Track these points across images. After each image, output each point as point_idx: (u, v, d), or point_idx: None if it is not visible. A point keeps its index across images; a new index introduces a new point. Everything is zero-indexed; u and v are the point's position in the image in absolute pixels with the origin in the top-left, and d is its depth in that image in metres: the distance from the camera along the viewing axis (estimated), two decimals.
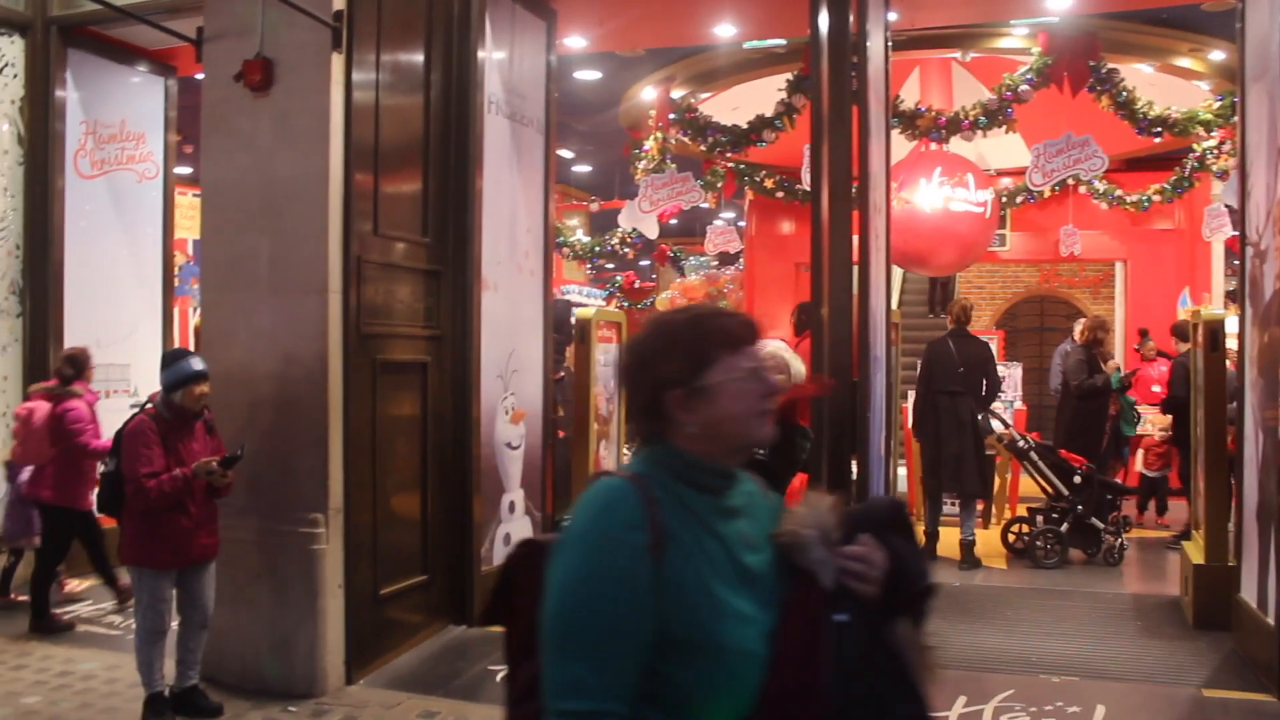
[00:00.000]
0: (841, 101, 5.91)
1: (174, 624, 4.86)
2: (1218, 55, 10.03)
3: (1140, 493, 10.32)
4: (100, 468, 5.22)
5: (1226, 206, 11.43)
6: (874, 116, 6.31)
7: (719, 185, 13.29)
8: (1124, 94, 9.73)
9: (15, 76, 7.45)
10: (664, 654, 1.58)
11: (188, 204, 10.95)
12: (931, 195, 10.69)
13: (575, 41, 8.44)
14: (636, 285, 26.79)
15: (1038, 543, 8.48)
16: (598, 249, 17.28)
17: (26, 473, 6.47)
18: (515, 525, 6.92)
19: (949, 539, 8.64)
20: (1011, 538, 8.76)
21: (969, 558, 8.41)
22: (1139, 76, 10.56)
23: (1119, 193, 12.96)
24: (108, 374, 7.74)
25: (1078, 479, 8.43)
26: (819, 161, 5.92)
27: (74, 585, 7.03)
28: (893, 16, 7.03)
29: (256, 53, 5.20)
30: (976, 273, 17.79)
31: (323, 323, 5.20)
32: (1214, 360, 6.61)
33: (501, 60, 6.75)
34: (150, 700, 4.74)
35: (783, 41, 10.26)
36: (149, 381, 7.00)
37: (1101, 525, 8.38)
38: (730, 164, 13.35)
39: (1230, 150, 10.80)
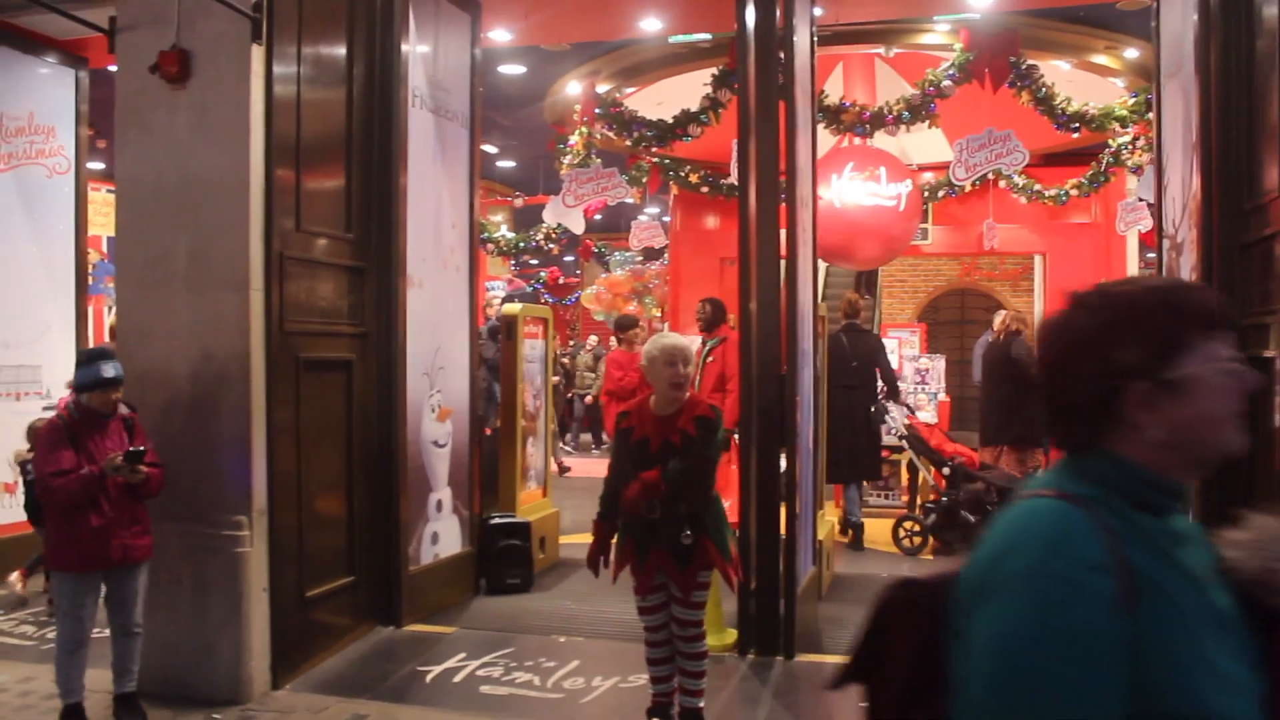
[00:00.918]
0: (769, 96, 5.94)
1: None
2: (1132, 53, 10.28)
3: None
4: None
5: (1141, 200, 11.71)
6: (801, 111, 6.36)
7: (644, 180, 13.29)
8: (1043, 90, 9.93)
9: None
10: None
11: (102, 200, 10.64)
12: (843, 190, 10.81)
13: (500, 35, 8.36)
14: (560, 281, 26.75)
15: (899, 530, 8.68)
16: (522, 245, 17.18)
17: None
18: (442, 524, 6.85)
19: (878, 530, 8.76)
20: (901, 532, 8.88)
21: (857, 541, 8.75)
22: (1057, 73, 10.77)
23: (1038, 187, 13.22)
24: (18, 376, 7.49)
25: (946, 470, 8.58)
26: (746, 156, 5.96)
27: None
28: (818, 12, 7.09)
29: (173, 44, 5.06)
30: (899, 266, 18.04)
31: (244, 320, 5.08)
32: None
33: (425, 54, 6.65)
34: (66, 711, 4.60)
35: (708, 36, 10.28)
36: (62, 383, 6.80)
37: (973, 518, 8.26)
38: (655, 159, 13.35)
39: (1144, 146, 11.08)
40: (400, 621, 6.18)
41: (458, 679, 5.41)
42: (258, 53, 5.12)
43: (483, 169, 7.64)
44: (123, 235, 5.44)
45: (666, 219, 17.42)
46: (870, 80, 12.01)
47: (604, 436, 15.88)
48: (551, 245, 15.86)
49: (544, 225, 15.02)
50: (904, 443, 8.89)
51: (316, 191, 5.62)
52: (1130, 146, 11.46)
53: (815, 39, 6.94)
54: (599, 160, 12.13)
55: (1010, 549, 1.29)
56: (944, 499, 8.52)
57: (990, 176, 12.32)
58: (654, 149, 12.11)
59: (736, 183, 6.46)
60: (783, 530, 5.82)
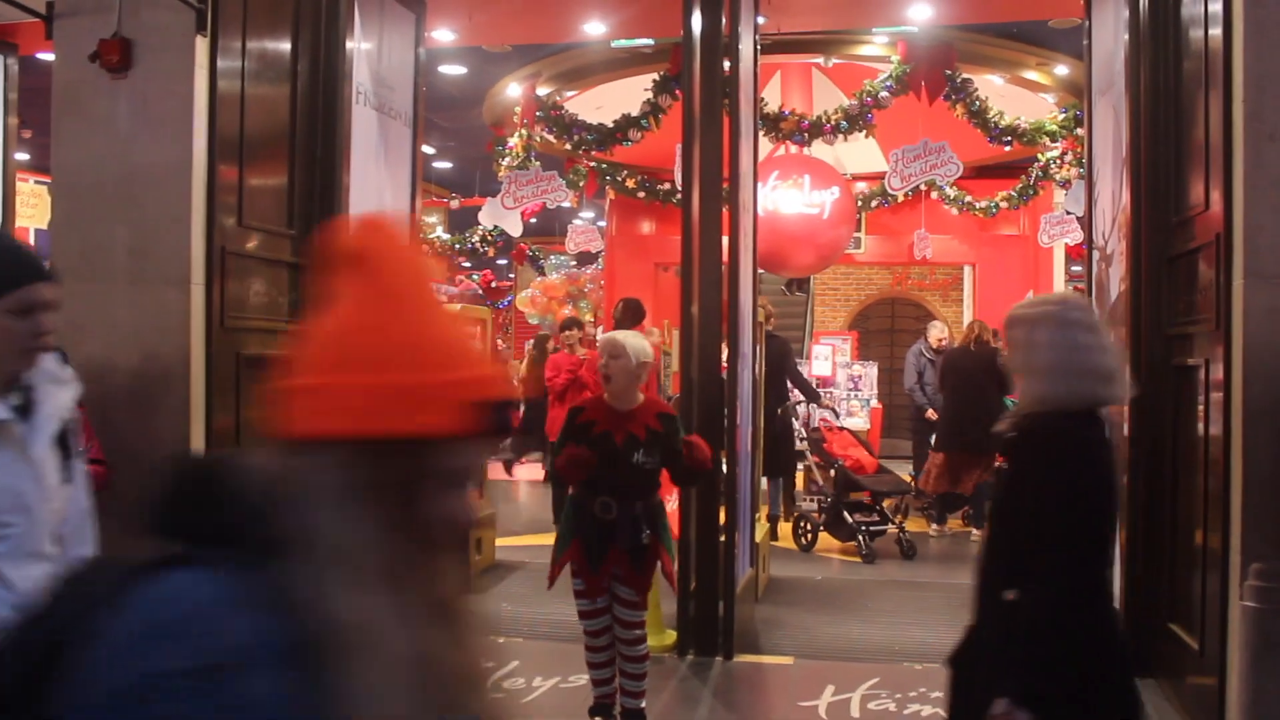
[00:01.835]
0: (713, 102, 6.01)
1: None
2: (1062, 70, 10.55)
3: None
4: None
5: (1069, 213, 12.01)
6: (744, 118, 6.44)
7: (581, 184, 13.31)
8: (977, 103, 10.15)
9: None
10: None
11: (30, 191, 10.39)
12: (766, 198, 10.96)
13: (443, 35, 8.34)
14: (494, 284, 26.64)
15: (797, 528, 9.11)
16: (458, 246, 17.10)
17: None
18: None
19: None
20: (799, 530, 9.25)
21: (773, 532, 9.07)
22: (990, 87, 11.02)
23: (969, 199, 13.50)
24: None
25: (833, 472, 8.96)
26: (690, 161, 6.02)
27: None
28: (761, 20, 7.18)
29: (114, 32, 4.96)
30: (831, 274, 18.26)
31: (185, 316, 5.00)
32: None
33: (370, 51, 6.61)
34: None
35: (650, 42, 10.34)
36: None
37: (851, 519, 8.69)
38: (592, 163, 13.39)
39: (1072, 160, 11.36)
40: None
41: None
42: (202, 45, 5.05)
43: None
44: (58, 227, 5.33)
45: (602, 223, 17.46)
46: (808, 89, 12.18)
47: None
48: (487, 248, 15.83)
49: (480, 227, 14.98)
50: (804, 444, 9.21)
51: (259, 187, 5.56)
52: (1059, 161, 11.76)
53: (758, 47, 7.03)
54: (538, 163, 12.14)
55: None
56: (831, 499, 9.01)
57: (923, 187, 12.55)
58: (593, 153, 12.14)
59: (680, 187, 6.52)
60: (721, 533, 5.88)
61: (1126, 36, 5.47)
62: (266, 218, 5.63)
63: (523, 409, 11.56)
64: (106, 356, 5.05)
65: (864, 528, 8.73)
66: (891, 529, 9.04)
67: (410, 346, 1.08)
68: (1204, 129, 4.69)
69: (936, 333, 10.90)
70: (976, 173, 13.40)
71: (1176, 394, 5.14)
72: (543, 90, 11.86)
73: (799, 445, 9.59)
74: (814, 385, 10.71)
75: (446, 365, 1.08)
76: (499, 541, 8.45)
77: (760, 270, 14.15)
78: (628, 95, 11.05)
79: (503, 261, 25.70)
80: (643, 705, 4.59)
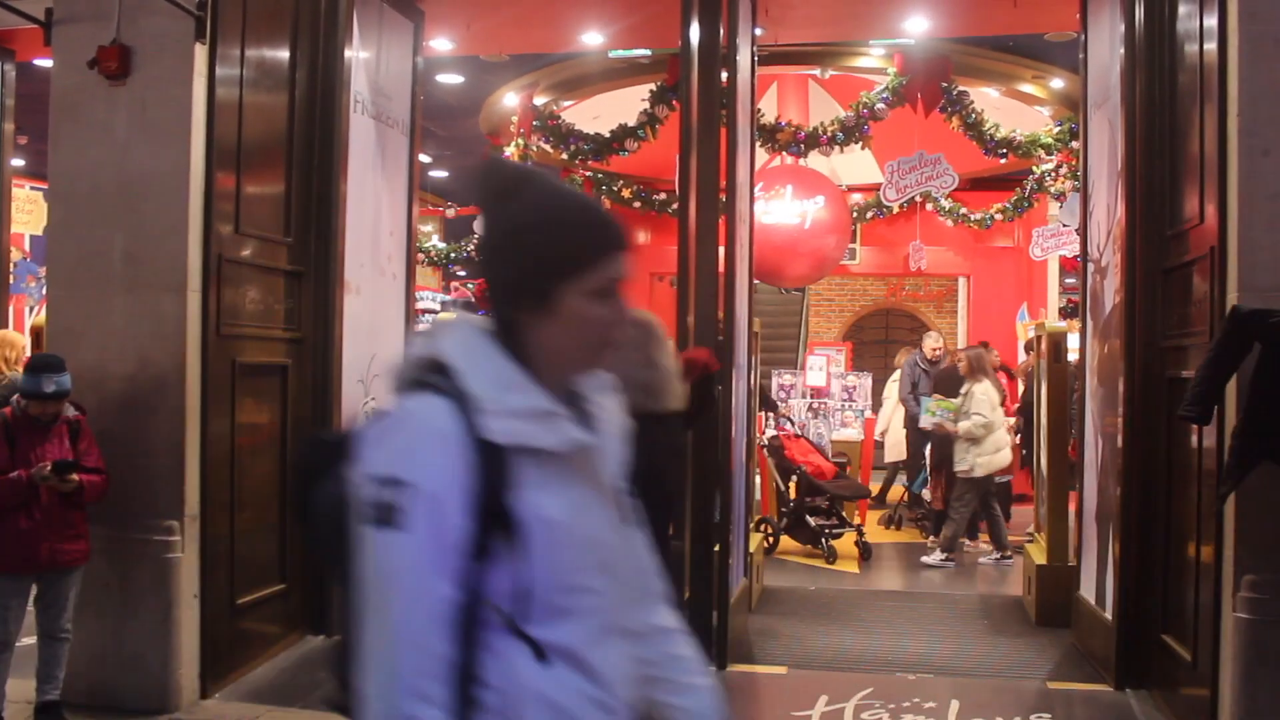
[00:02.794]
0: (711, 113, 6.02)
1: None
2: (1058, 83, 10.59)
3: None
4: None
5: (1065, 225, 12.02)
6: (741, 129, 6.46)
7: None
8: (973, 115, 10.18)
9: None
10: None
11: (25, 197, 10.39)
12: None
13: (441, 44, 8.35)
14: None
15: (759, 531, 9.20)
16: (453, 255, 17.09)
17: None
18: None
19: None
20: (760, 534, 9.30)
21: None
22: (986, 100, 11.06)
23: (963, 211, 13.52)
24: None
25: (794, 478, 9.23)
26: (687, 171, 6.03)
27: None
28: (759, 32, 7.21)
29: (113, 39, 4.98)
30: (826, 285, 18.29)
31: (181, 323, 5.01)
32: (1057, 371, 6.96)
33: (368, 59, 6.63)
34: None
35: (648, 52, 10.36)
36: None
37: (814, 523, 9.07)
38: (588, 173, 13.40)
39: (1067, 173, 11.40)
40: (331, 630, 6.12)
41: None
42: (201, 52, 5.07)
43: None
44: (55, 233, 5.34)
45: None
46: (804, 101, 12.20)
47: None
48: None
49: (475, 236, 14.96)
50: (765, 451, 9.31)
51: (256, 195, 5.57)
52: (1054, 173, 11.79)
53: (756, 58, 7.06)
54: None
55: None
56: (791, 504, 9.22)
57: (918, 199, 12.58)
58: (589, 163, 12.15)
59: (677, 197, 6.53)
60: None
61: (1122, 50, 5.50)
62: (263, 225, 5.64)
63: None
64: (102, 363, 5.06)
65: (826, 531, 9.00)
66: (850, 533, 9.31)
67: None
68: (1199, 143, 4.71)
69: (931, 343, 10.92)
70: (972, 185, 13.44)
71: (1170, 406, 5.15)
72: (540, 100, 11.87)
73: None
74: (771, 396, 10.85)
75: None
76: None
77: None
78: (624, 105, 11.07)
79: None
80: None
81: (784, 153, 10.92)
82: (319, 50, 6.08)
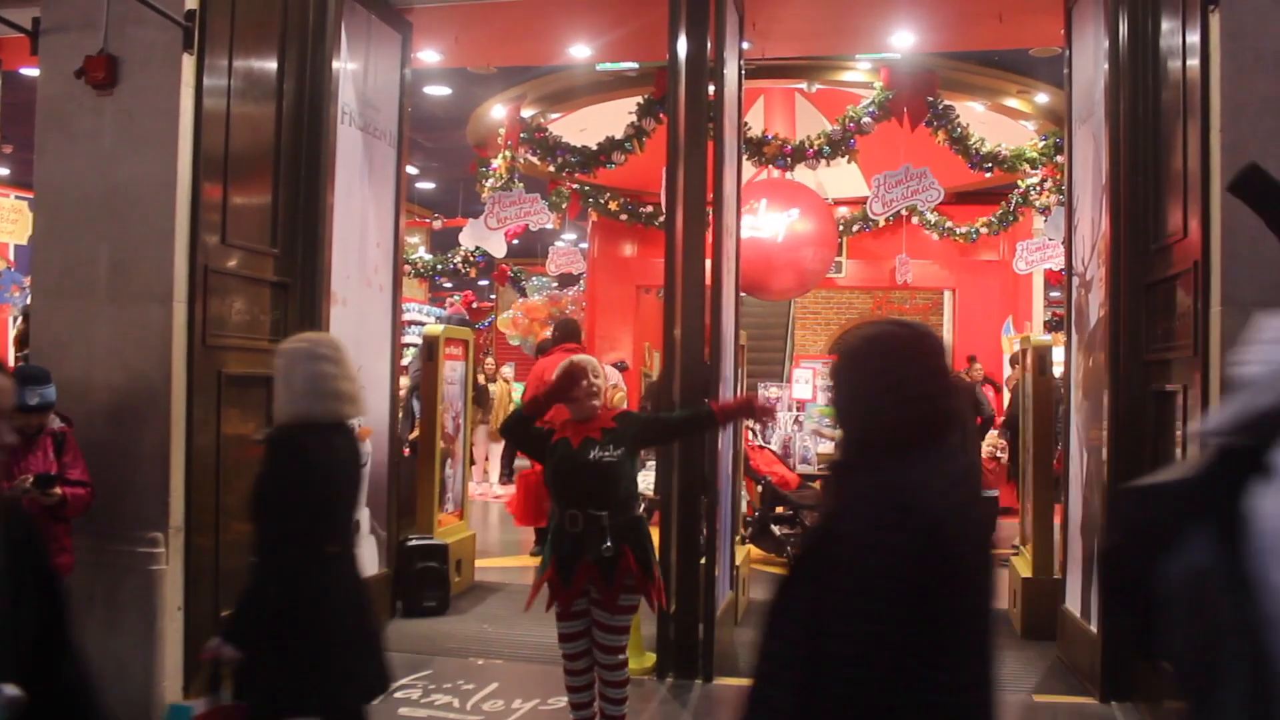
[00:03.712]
0: (698, 126, 6.04)
1: None
2: (1043, 98, 10.65)
3: None
4: None
5: (1050, 239, 12.09)
6: (728, 142, 6.47)
7: (564, 206, 13.33)
8: (959, 130, 10.23)
9: None
10: None
11: (9, 207, 10.33)
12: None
13: (428, 56, 8.36)
14: (474, 305, 26.62)
15: None
16: (439, 267, 17.08)
17: None
18: (360, 545, 6.76)
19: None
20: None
21: None
22: (971, 114, 11.11)
23: (949, 224, 13.58)
24: None
25: (760, 488, 9.37)
26: (675, 184, 6.04)
27: None
28: (746, 46, 7.23)
29: (100, 49, 4.97)
30: (812, 299, 18.35)
31: (166, 333, 4.99)
32: (1041, 384, 6.99)
33: (356, 71, 6.64)
34: None
35: (635, 65, 10.39)
36: None
37: (778, 531, 9.21)
38: (575, 185, 13.42)
39: (1052, 188, 11.46)
40: None
41: (375, 701, 5.33)
42: (188, 63, 5.06)
43: None
44: (40, 243, 5.32)
45: (583, 245, 17.48)
46: (790, 114, 12.24)
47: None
48: (469, 269, 15.80)
49: (462, 248, 14.96)
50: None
51: (243, 205, 5.55)
52: (1039, 188, 11.85)
53: (743, 72, 7.09)
54: (521, 185, 12.17)
55: None
56: (758, 513, 9.34)
57: (904, 212, 12.62)
58: (576, 175, 12.17)
59: (664, 210, 6.54)
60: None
61: (1106, 66, 5.54)
62: (250, 236, 5.62)
63: None
64: (87, 374, 5.04)
65: (790, 539, 9.13)
66: None
67: None
68: (1182, 158, 4.75)
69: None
70: (957, 198, 13.50)
71: (1155, 419, 5.19)
72: (527, 112, 11.89)
73: None
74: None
75: None
76: (479, 563, 8.42)
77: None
78: (612, 118, 11.09)
79: (484, 282, 25.73)
80: None
81: (771, 166, 10.95)
82: (307, 61, 6.07)
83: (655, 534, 5.00)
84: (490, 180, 12.07)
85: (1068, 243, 6.52)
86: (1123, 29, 5.45)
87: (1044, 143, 11.05)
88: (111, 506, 4.90)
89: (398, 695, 5.41)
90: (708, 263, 6.02)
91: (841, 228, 13.60)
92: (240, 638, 3.29)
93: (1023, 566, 7.08)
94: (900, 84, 9.98)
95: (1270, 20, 4.39)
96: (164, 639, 4.93)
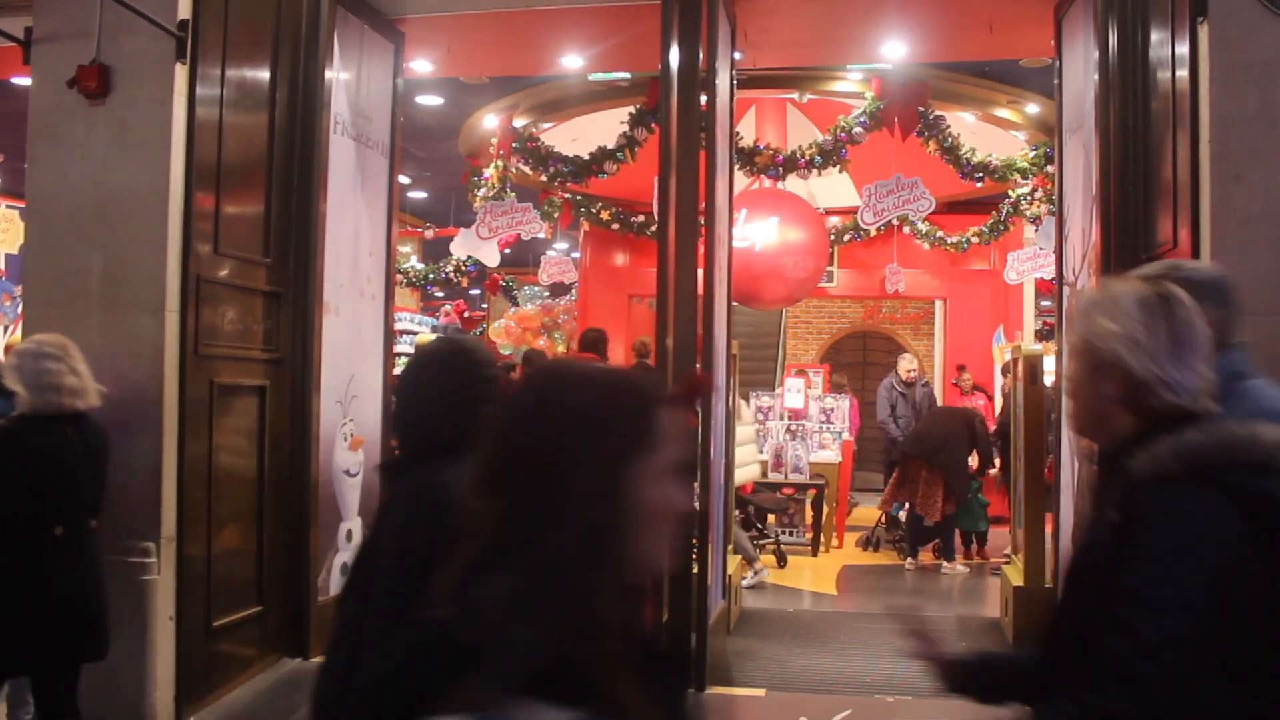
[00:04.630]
0: (690, 136, 6.05)
1: None
2: (1033, 108, 10.71)
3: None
4: None
5: (1041, 249, 12.12)
6: (720, 152, 6.50)
7: (555, 215, 13.34)
8: (949, 140, 10.27)
9: None
10: None
11: (1, 215, 10.32)
12: None
13: (421, 65, 8.37)
14: (466, 314, 26.60)
15: None
16: (431, 276, 17.10)
17: None
18: (352, 554, 6.74)
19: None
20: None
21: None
22: (962, 124, 11.16)
23: (940, 234, 13.62)
24: None
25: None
26: (667, 194, 6.05)
27: None
28: (738, 56, 7.26)
29: (93, 58, 4.98)
30: (803, 308, 18.33)
31: (159, 343, 4.99)
32: (1033, 393, 7.02)
33: (349, 80, 6.64)
34: None
35: (627, 75, 10.41)
36: None
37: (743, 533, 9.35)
38: (567, 195, 13.43)
39: (1042, 197, 11.50)
40: (308, 653, 6.07)
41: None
42: (181, 72, 5.07)
43: None
44: (32, 252, 5.32)
45: (575, 255, 17.49)
46: (782, 124, 12.27)
47: None
48: (461, 278, 15.81)
49: (454, 258, 14.97)
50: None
51: (235, 215, 5.56)
52: (1029, 198, 11.90)
53: (735, 82, 7.11)
54: (513, 194, 12.18)
55: None
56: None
57: (895, 222, 12.65)
58: (568, 185, 12.18)
59: (656, 220, 6.55)
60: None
61: (1096, 77, 5.57)
62: (242, 245, 5.63)
63: None
64: None
65: (754, 541, 9.28)
66: (769, 543, 9.75)
67: None
68: (1172, 168, 4.77)
69: (905, 365, 11.00)
70: (948, 208, 13.54)
71: None
72: (519, 122, 11.90)
73: None
74: None
75: None
76: None
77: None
78: (604, 128, 11.10)
79: (475, 292, 25.71)
80: None
81: (763, 176, 10.97)
82: (299, 71, 6.08)
83: None
84: (482, 190, 12.08)
85: (1058, 252, 6.55)
86: (1112, 40, 5.48)
87: (1034, 153, 11.10)
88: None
89: None
90: (700, 272, 6.03)
91: (833, 237, 13.63)
92: None
93: (1014, 575, 7.10)
94: (891, 94, 10.02)
95: (1258, 32, 4.43)
96: (155, 648, 4.92)
